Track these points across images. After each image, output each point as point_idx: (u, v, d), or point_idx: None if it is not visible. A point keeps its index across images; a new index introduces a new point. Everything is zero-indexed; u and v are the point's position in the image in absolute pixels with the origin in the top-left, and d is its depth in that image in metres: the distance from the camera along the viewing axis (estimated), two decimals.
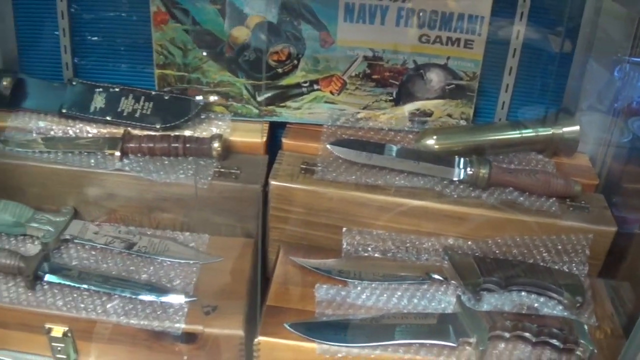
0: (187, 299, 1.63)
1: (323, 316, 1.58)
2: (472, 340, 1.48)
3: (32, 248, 1.78)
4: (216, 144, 1.86)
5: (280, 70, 1.99)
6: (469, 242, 1.77)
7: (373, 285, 1.67)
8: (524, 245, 1.76)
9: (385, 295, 1.64)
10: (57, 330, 1.62)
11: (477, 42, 1.92)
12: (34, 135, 1.96)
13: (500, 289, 1.65)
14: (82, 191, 1.87)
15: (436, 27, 1.91)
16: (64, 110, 1.98)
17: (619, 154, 1.97)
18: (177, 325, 1.58)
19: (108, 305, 1.62)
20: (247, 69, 1.99)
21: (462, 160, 1.80)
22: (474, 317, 1.53)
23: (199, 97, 2.01)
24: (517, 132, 1.93)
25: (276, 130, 2.05)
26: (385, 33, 1.93)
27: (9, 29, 2.11)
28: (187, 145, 1.87)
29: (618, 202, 1.86)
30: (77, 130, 1.97)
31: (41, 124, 1.98)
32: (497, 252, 1.76)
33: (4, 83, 2.02)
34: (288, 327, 1.53)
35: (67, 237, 1.80)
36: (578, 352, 1.50)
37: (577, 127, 1.91)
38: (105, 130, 1.97)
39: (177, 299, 1.63)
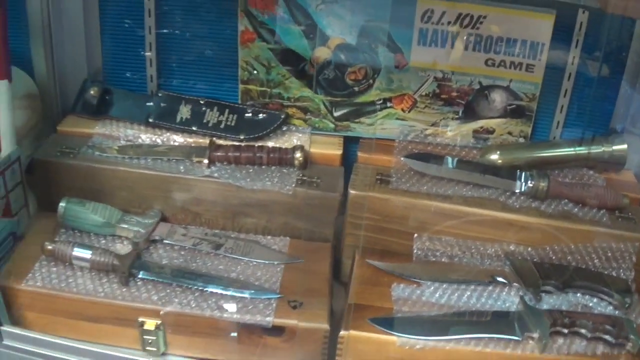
0: (275, 296, 1.76)
1: (400, 313, 1.71)
2: (535, 335, 1.62)
3: (122, 247, 1.87)
4: (298, 154, 2.01)
5: (356, 88, 2.14)
6: (529, 249, 1.89)
7: (444, 286, 1.80)
8: (577, 252, 1.89)
9: (455, 295, 1.77)
10: (150, 324, 1.70)
11: (537, 67, 2.08)
12: (123, 142, 2.09)
13: (557, 291, 1.79)
14: (170, 195, 1.99)
15: (501, 52, 2.07)
16: (150, 120, 2.12)
17: None
18: (267, 318, 1.68)
19: (201, 300, 1.72)
20: (326, 86, 2.15)
21: (523, 174, 1.95)
22: (536, 315, 1.66)
23: (280, 111, 2.17)
24: (572, 149, 2.08)
25: (348, 144, 2.20)
26: (455, 56, 2.08)
27: (96, 40, 2.26)
28: (271, 154, 2.01)
29: None
30: (164, 139, 2.11)
31: (129, 132, 2.12)
32: (553, 258, 1.89)
33: (92, 92, 2.15)
34: (370, 322, 1.66)
35: (156, 238, 1.91)
36: (628, 347, 1.64)
37: (624, 146, 2.06)
38: (190, 140, 2.11)
39: (266, 295, 1.76)
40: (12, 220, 1.90)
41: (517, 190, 1.96)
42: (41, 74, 2.20)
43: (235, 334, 1.72)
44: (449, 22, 2.05)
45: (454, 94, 2.15)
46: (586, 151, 2.08)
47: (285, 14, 2.08)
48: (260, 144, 2.09)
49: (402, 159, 2.04)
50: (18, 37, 2.07)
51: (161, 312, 1.71)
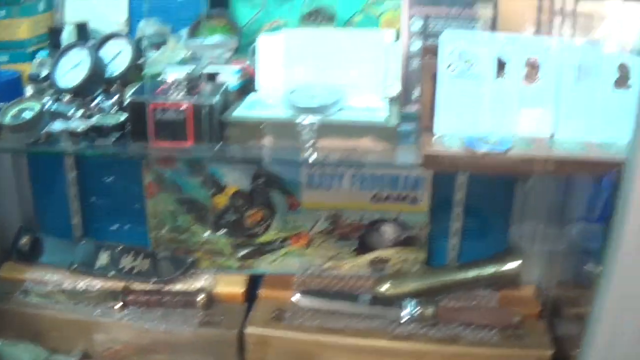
0: None
1: None
2: None
3: None
4: (199, 297, 2.32)
5: (256, 230, 2.46)
6: None
7: None
8: None
9: None
10: None
11: (422, 198, 2.36)
12: (51, 287, 2.43)
13: None
14: (91, 337, 2.32)
15: (385, 188, 2.36)
16: (73, 267, 2.48)
17: (561, 282, 2.36)
18: None
19: None
20: (228, 229, 2.47)
21: (412, 302, 2.22)
22: None
23: (188, 255, 2.50)
24: (462, 273, 2.33)
25: (256, 281, 2.49)
26: (343, 195, 2.38)
27: (27, 192, 2.63)
28: (176, 298, 2.33)
29: (559, 326, 2.24)
30: (86, 284, 2.44)
31: (55, 277, 2.47)
32: None
33: (23, 240, 2.54)
34: None
35: None
36: None
37: (517, 263, 2.30)
38: (109, 284, 2.43)
39: None
40: None
41: (406, 318, 2.22)
42: None
43: None
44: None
45: (347, 229, 2.44)
46: (477, 273, 2.33)
47: (184, 167, 2.41)
48: (169, 287, 2.41)
49: (292, 298, 2.33)
50: None
51: None
